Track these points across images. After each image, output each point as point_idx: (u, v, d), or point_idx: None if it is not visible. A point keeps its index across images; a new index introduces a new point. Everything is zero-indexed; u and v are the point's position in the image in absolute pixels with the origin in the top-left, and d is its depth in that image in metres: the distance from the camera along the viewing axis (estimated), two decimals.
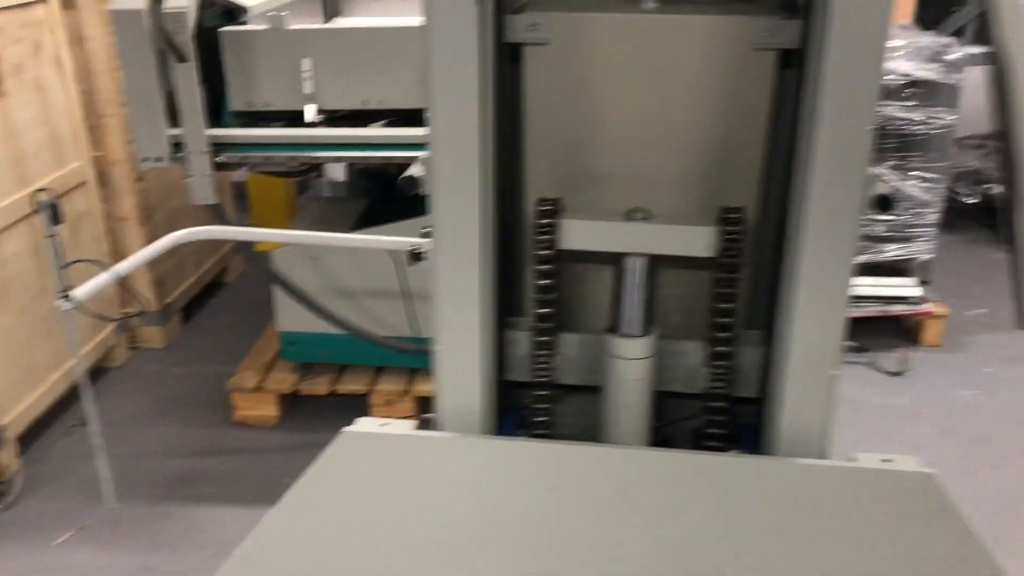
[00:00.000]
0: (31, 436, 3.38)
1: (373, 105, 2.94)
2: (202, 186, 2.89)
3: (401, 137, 2.83)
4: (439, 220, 1.73)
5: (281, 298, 3.42)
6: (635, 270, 1.83)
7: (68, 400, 3.62)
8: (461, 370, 1.84)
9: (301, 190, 6.05)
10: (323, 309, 3.30)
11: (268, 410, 3.54)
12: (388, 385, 3.52)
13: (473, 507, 1.84)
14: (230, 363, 3.94)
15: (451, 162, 1.68)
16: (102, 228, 3.87)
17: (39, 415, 3.40)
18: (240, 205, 4.96)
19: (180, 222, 4.38)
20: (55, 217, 1.81)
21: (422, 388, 3.49)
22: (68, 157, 3.62)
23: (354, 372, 3.59)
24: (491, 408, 1.90)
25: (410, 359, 3.52)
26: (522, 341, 2.01)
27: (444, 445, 1.83)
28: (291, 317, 3.46)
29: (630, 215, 1.80)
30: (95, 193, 3.82)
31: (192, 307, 4.51)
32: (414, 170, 1.80)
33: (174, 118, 2.87)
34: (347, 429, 1.87)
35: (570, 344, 1.99)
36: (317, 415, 3.59)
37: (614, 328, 1.88)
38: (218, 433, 3.49)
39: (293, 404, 3.63)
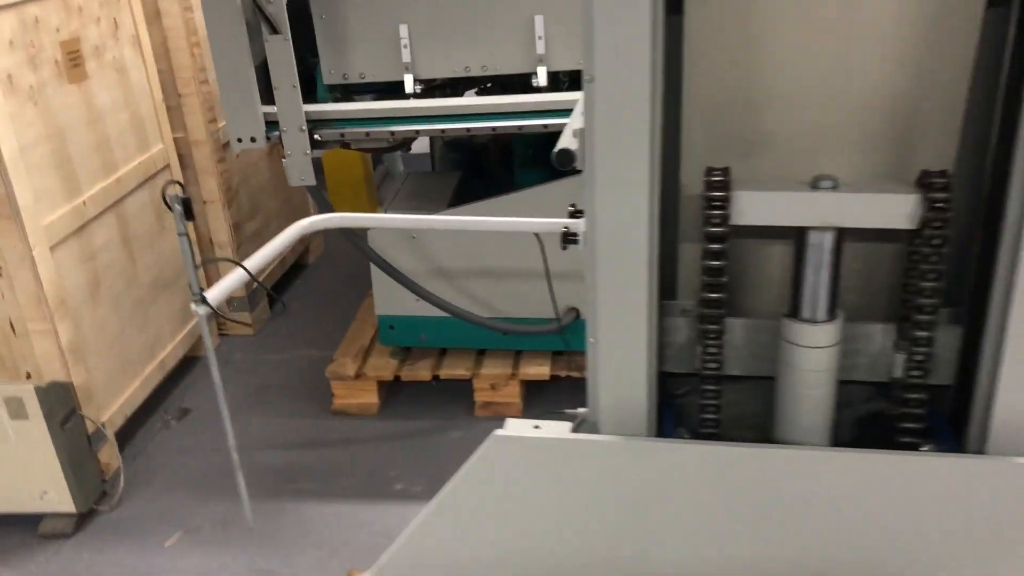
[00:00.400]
0: (128, 432, 3.28)
1: (476, 72, 2.74)
2: (300, 167, 2.72)
3: (514, 105, 2.61)
4: (600, 197, 1.52)
5: (378, 281, 3.25)
6: (821, 247, 1.60)
7: (161, 392, 3.52)
8: (623, 364, 1.64)
9: (374, 164, 5.89)
10: (424, 291, 3.12)
11: (368, 398, 3.39)
12: (492, 369, 3.34)
13: (645, 519, 1.67)
14: (322, 348, 3.80)
15: (616, 132, 1.46)
16: None
17: (135, 410, 3.29)
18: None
19: (262, 203, 4.25)
20: (188, 213, 1.65)
21: (529, 371, 3.30)
22: (150, 140, 3.48)
23: (456, 356, 3.42)
24: (654, 406, 1.70)
25: (515, 341, 3.33)
26: (680, 328, 1.80)
27: (608, 450, 1.64)
28: (389, 300, 3.29)
29: (816, 184, 1.57)
30: (178, 176, 3.68)
31: (277, 291, 4.38)
32: (564, 142, 1.59)
33: (266, 95, 2.70)
34: (498, 432, 1.69)
35: (735, 330, 1.77)
36: (419, 401, 3.43)
37: (793, 312, 1.66)
38: (317, 423, 3.35)
39: (393, 391, 3.48)
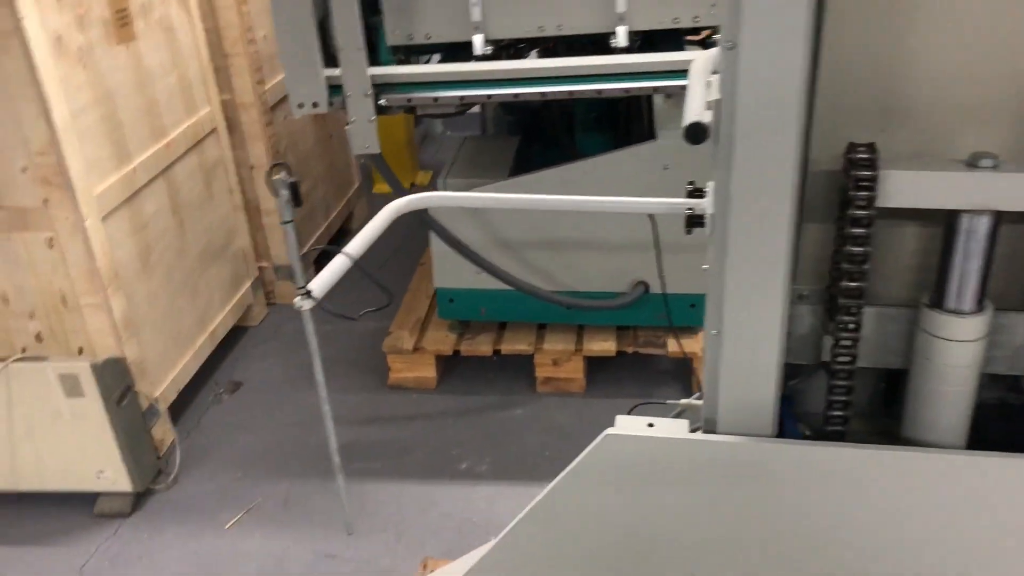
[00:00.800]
0: (180, 406, 3.18)
1: (550, 31, 2.57)
2: (365, 133, 2.57)
3: (594, 68, 2.45)
4: (739, 177, 1.37)
5: (438, 252, 3.12)
6: (976, 232, 1.44)
7: (212, 364, 3.42)
8: (750, 359, 1.50)
9: (415, 124, 5.73)
10: (484, 262, 2.99)
11: (427, 372, 3.28)
12: (555, 344, 3.21)
13: (767, 524, 1.55)
14: (376, 319, 3.67)
15: (764, 104, 1.31)
16: (235, 177, 3.60)
17: (187, 383, 3.20)
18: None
19: (310, 167, 4.12)
20: (296, 198, 1.51)
21: (593, 347, 3.17)
22: (198, 103, 3.35)
23: (516, 330, 3.29)
24: (779, 403, 1.56)
25: (577, 316, 3.20)
26: (800, 316, 1.66)
27: (733, 451, 1.51)
28: (449, 272, 3.16)
29: (975, 162, 1.41)
30: (226, 140, 3.54)
31: (323, 259, 4.25)
32: (693, 114, 1.43)
33: (327, 56, 2.55)
34: (610, 431, 1.56)
35: (866, 320, 1.63)
36: (479, 377, 3.31)
37: (936, 302, 1.52)
38: (375, 398, 3.24)
39: (451, 365, 3.36)
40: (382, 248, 4.37)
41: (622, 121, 3.38)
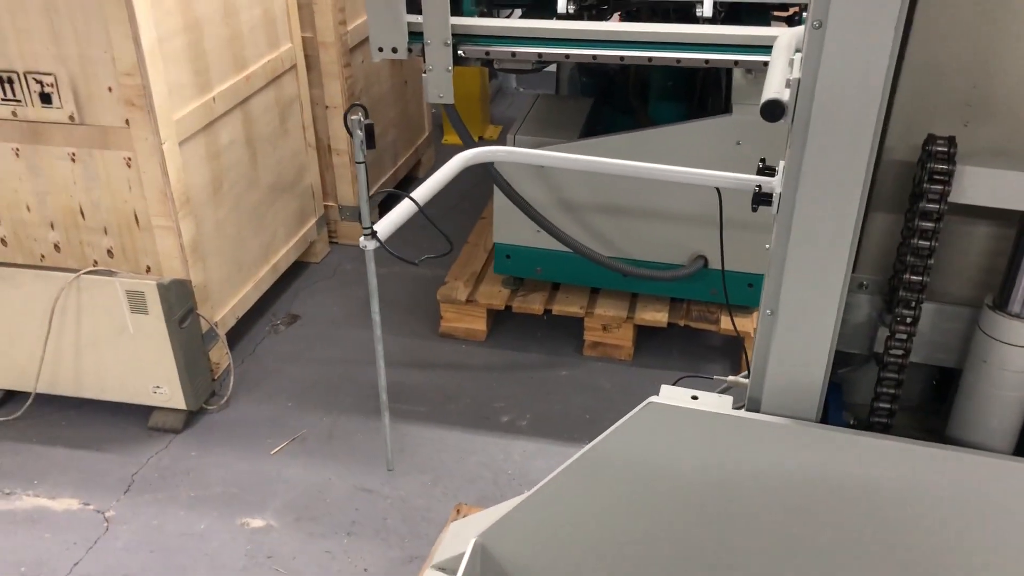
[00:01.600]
0: (237, 334, 3.28)
1: None
2: (441, 83, 2.59)
3: (676, 36, 2.42)
4: (812, 157, 1.36)
5: (499, 208, 3.14)
6: None
7: (271, 296, 3.51)
8: (803, 343, 1.50)
9: (489, 78, 5.71)
10: (545, 221, 3.00)
11: (477, 324, 3.32)
12: (606, 310, 3.22)
13: (801, 506, 1.56)
14: (432, 267, 3.73)
15: (846, 86, 1.29)
16: (309, 115, 3.66)
17: (246, 312, 3.29)
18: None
19: (382, 111, 4.15)
20: (371, 140, 1.55)
21: (645, 316, 3.18)
22: (280, 38, 3.39)
23: (569, 292, 3.31)
24: (826, 388, 1.56)
25: (631, 283, 3.20)
26: (857, 304, 1.65)
27: (775, 432, 1.52)
28: (508, 229, 3.18)
29: None
30: (303, 78, 3.59)
31: (388, 203, 4.30)
32: (771, 91, 1.42)
33: (410, 4, 2.56)
34: (654, 399, 1.58)
35: (924, 315, 1.61)
36: (528, 334, 3.34)
37: (1000, 304, 1.50)
38: (425, 344, 3.30)
39: (501, 320, 3.40)
40: (447, 197, 4.41)
41: (698, 92, 3.34)
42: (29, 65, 2.60)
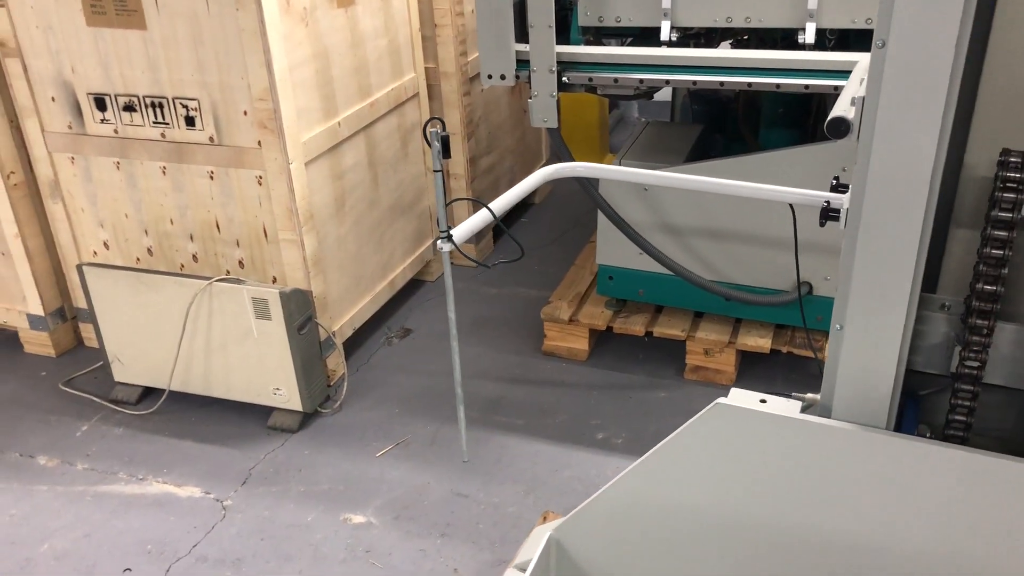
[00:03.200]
0: (353, 344, 3.47)
1: (738, 23, 2.60)
2: (545, 108, 2.72)
3: (775, 62, 2.47)
4: (875, 174, 1.40)
5: (603, 230, 3.22)
6: None
7: (387, 311, 3.70)
8: (871, 356, 1.52)
9: (610, 109, 5.82)
10: (647, 244, 3.07)
11: (579, 343, 3.40)
12: (708, 333, 3.24)
13: (864, 515, 1.57)
14: (539, 288, 3.86)
15: (905, 104, 1.33)
16: None
17: (362, 324, 3.48)
18: None
19: (499, 140, 4.32)
20: (446, 150, 1.69)
21: (748, 341, 3.18)
22: (404, 68, 3.61)
23: (671, 315, 3.35)
24: (896, 401, 1.57)
25: (734, 308, 3.22)
26: (936, 324, 1.65)
27: (841, 437, 1.54)
28: (611, 251, 3.26)
29: None
30: (425, 106, 3.79)
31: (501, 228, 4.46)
32: (839, 110, 1.47)
33: (519, 34, 2.70)
34: (722, 400, 1.63)
35: (1003, 335, 1.60)
36: (628, 356, 3.40)
37: None
38: (528, 361, 3.41)
39: (603, 340, 3.47)
40: (561, 223, 4.55)
41: (811, 120, 3.34)
42: (177, 91, 2.89)
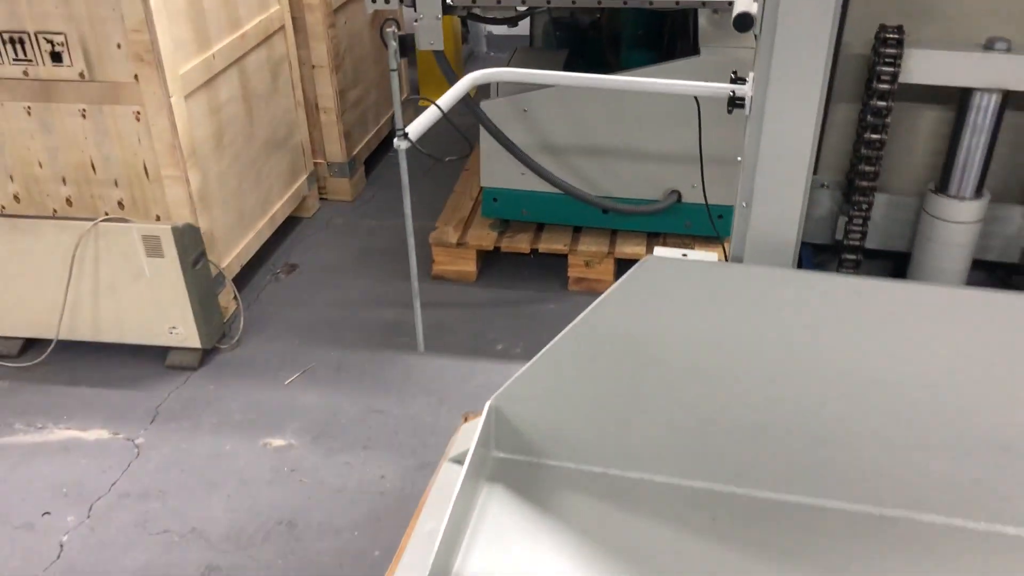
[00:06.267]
0: (241, 282, 3.46)
1: None
2: (431, 30, 2.78)
3: None
4: (779, 60, 1.58)
5: (487, 154, 3.35)
6: (986, 110, 1.65)
7: (269, 248, 3.69)
8: (775, 228, 1.72)
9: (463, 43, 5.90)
10: (533, 162, 3.22)
11: (468, 266, 3.53)
12: (588, 246, 3.45)
13: (779, 345, 1.73)
14: (419, 219, 3.91)
15: None
16: (298, 75, 3.83)
17: (248, 261, 3.46)
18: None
19: (364, 72, 4.33)
20: (404, 50, 1.74)
21: (625, 250, 3.41)
22: (269, 1, 3.55)
23: (552, 232, 3.53)
24: (799, 245, 1.76)
25: (611, 220, 3.43)
26: (820, 201, 1.89)
27: (755, 276, 1.70)
28: (495, 173, 3.39)
29: (990, 45, 1.61)
30: (291, 38, 3.76)
31: (371, 162, 4.50)
32: (742, 5, 1.65)
33: None
34: (651, 255, 1.77)
35: (878, 205, 1.85)
36: (514, 274, 3.56)
37: (941, 187, 1.74)
38: (420, 286, 3.49)
39: (490, 262, 3.61)
40: (422, 158, 4.61)
41: (667, 39, 3.56)
42: (39, 25, 2.75)
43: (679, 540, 1.74)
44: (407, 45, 1.68)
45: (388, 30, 1.75)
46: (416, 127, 1.64)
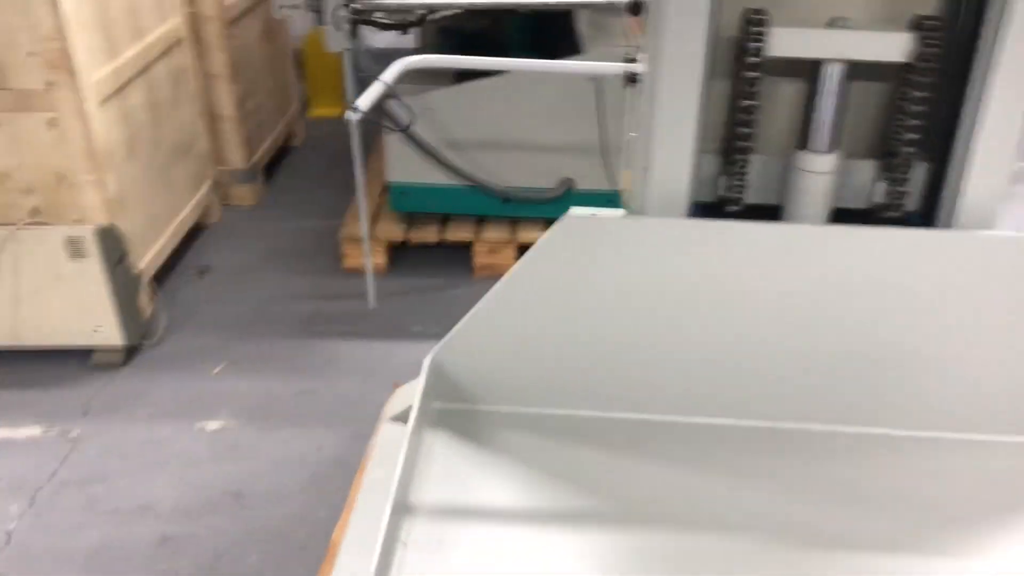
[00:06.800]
0: (157, 284, 3.53)
1: None
2: (338, 33, 2.98)
3: None
4: (668, 38, 1.88)
5: (393, 150, 3.56)
6: (833, 78, 1.99)
7: (180, 252, 3.78)
8: (672, 188, 2.02)
9: None
10: (441, 156, 3.44)
11: (378, 258, 3.72)
12: (492, 235, 3.70)
13: (683, 291, 2.03)
14: (323, 219, 4.10)
15: None
16: (197, 84, 3.94)
17: (161, 264, 3.55)
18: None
19: (259, 83, 4.47)
20: (355, 30, 1.93)
21: (525, 237, 3.68)
22: (168, 12, 3.66)
23: (457, 222, 3.77)
24: (690, 205, 2.05)
25: (513, 209, 3.69)
26: (703, 164, 2.19)
27: (657, 226, 1.99)
28: (402, 168, 3.61)
29: (833, 23, 1.96)
30: (190, 50, 3.87)
31: (270, 170, 4.62)
32: None
33: None
34: (566, 214, 2.02)
35: (754, 165, 2.17)
36: (423, 264, 3.78)
37: (803, 144, 2.07)
38: (333, 280, 3.68)
39: (399, 255, 3.81)
40: (318, 162, 4.78)
41: (551, 43, 3.87)
42: None
43: (609, 462, 2.01)
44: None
45: (340, 15, 1.95)
46: (365, 100, 1.85)
